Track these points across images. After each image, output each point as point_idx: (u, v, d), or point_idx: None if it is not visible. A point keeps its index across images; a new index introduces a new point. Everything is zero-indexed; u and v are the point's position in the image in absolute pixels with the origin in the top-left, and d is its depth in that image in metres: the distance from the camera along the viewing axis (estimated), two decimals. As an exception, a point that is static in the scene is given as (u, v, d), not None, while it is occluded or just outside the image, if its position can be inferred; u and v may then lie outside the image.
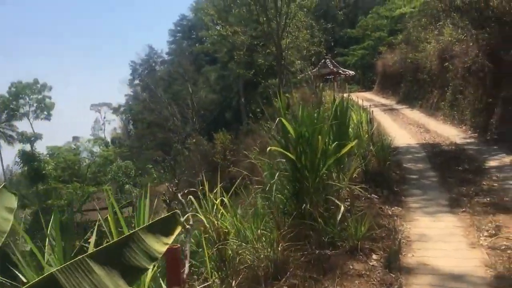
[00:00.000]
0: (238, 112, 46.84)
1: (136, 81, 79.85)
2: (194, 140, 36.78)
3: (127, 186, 44.50)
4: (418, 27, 25.71)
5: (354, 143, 6.02)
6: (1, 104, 55.35)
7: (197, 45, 66.81)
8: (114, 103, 76.52)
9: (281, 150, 5.66)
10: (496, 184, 7.62)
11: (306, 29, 28.60)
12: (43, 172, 36.12)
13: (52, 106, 60.12)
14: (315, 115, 6.06)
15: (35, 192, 35.97)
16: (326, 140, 6.11)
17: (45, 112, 59.69)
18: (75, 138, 63.17)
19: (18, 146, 48.28)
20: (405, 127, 17.05)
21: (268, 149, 5.56)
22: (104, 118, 77.58)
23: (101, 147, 75.21)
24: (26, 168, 36.18)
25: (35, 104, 58.98)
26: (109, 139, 75.42)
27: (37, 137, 55.08)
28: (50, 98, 60.11)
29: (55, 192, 34.72)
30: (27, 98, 58.45)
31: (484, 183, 7.74)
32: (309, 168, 5.85)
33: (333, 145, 5.90)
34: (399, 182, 8.46)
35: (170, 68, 78.31)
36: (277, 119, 5.73)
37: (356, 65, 48.46)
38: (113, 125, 78.93)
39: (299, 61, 29.71)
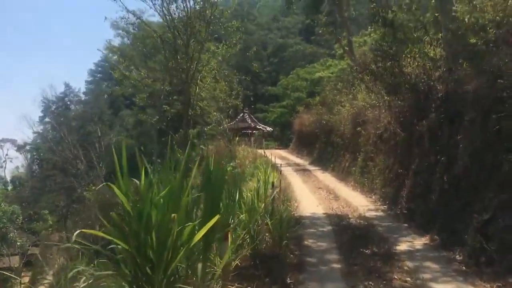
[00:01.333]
0: (151, 160, 44.17)
1: (47, 119, 74.40)
2: (93, 187, 33.12)
3: (11, 234, 39.26)
4: (334, 90, 25.86)
5: (213, 222, 4.13)
6: None
7: (117, 87, 64.55)
8: (20, 140, 69.70)
9: (103, 234, 3.71)
10: (408, 279, 6.23)
11: (225, 81, 27.68)
12: None
13: None
14: (176, 183, 4.26)
15: None
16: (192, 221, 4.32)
17: None
18: (-33, 175, 56.97)
19: None
20: (315, 192, 15.88)
21: (75, 233, 3.55)
22: (6, 155, 70.19)
23: (-1, 186, 67.65)
24: None
25: None
26: (9, 178, 68.93)
27: None
28: None
29: None
30: None
31: (396, 277, 6.33)
32: (156, 262, 3.97)
33: (188, 229, 4.04)
34: (296, 269, 6.80)
35: (85, 109, 74.25)
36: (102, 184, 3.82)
37: (275, 122, 48.71)
38: (16, 163, 71.67)
39: (215, 113, 28.44)
